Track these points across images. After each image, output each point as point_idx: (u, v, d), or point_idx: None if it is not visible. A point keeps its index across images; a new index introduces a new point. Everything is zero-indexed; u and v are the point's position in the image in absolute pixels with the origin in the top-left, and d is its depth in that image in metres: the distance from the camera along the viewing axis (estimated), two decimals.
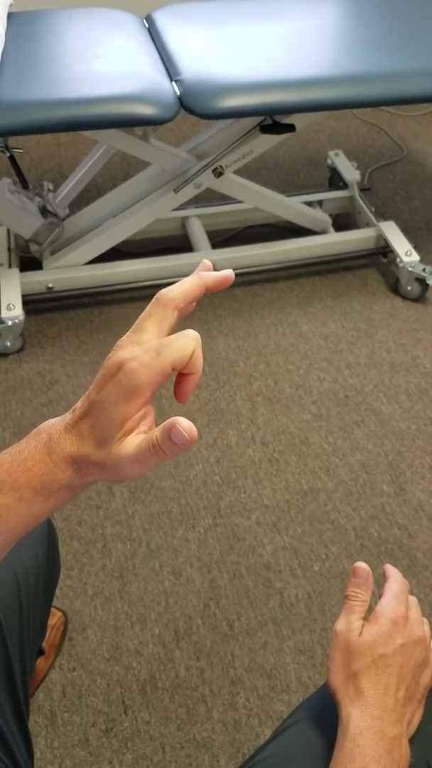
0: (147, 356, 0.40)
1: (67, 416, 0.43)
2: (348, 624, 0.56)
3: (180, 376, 0.43)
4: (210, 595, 1.12)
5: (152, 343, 0.41)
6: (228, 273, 0.45)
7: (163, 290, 0.43)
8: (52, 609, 1.00)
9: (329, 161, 1.90)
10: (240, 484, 1.27)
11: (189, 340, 0.42)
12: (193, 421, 1.38)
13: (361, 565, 0.59)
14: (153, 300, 0.43)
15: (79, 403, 0.42)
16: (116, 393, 0.40)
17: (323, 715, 0.57)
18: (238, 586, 1.13)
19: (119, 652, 1.05)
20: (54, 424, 0.43)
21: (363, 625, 0.57)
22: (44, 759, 0.95)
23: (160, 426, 0.40)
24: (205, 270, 0.45)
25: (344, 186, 1.84)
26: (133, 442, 0.41)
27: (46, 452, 0.41)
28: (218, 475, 1.29)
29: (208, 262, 0.45)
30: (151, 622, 1.09)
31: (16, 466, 0.41)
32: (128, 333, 0.42)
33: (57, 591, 0.89)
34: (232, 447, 1.33)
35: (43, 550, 0.76)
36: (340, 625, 0.56)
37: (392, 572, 0.60)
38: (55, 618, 1.05)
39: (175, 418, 0.39)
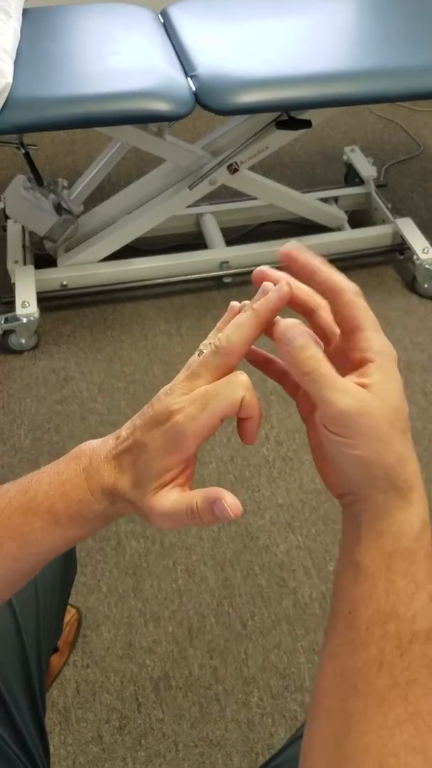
0: (193, 408, 0.37)
1: (110, 442, 0.40)
2: (347, 391, 0.35)
3: (239, 419, 0.40)
4: (223, 594, 1.12)
5: (198, 392, 0.38)
6: (282, 290, 0.38)
7: (223, 338, 0.38)
8: (67, 606, 1.00)
9: (345, 157, 1.88)
10: (254, 483, 1.27)
11: (236, 388, 0.38)
12: None
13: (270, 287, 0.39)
14: (211, 348, 0.38)
15: (123, 432, 0.40)
16: (161, 442, 0.38)
17: None
18: (252, 585, 1.13)
19: (133, 649, 1.05)
20: (95, 448, 0.41)
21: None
22: (58, 755, 0.95)
23: (203, 493, 0.38)
24: (265, 295, 0.38)
25: (360, 182, 1.82)
26: (169, 497, 0.38)
27: (85, 478, 0.40)
28: (232, 474, 1.28)
29: (267, 284, 0.39)
30: (164, 620, 1.09)
31: (54, 489, 0.40)
32: (182, 377, 0.39)
33: (71, 588, 0.89)
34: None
35: None
36: (342, 401, 0.34)
37: (334, 280, 0.38)
38: (69, 615, 1.05)
39: (221, 491, 0.37)
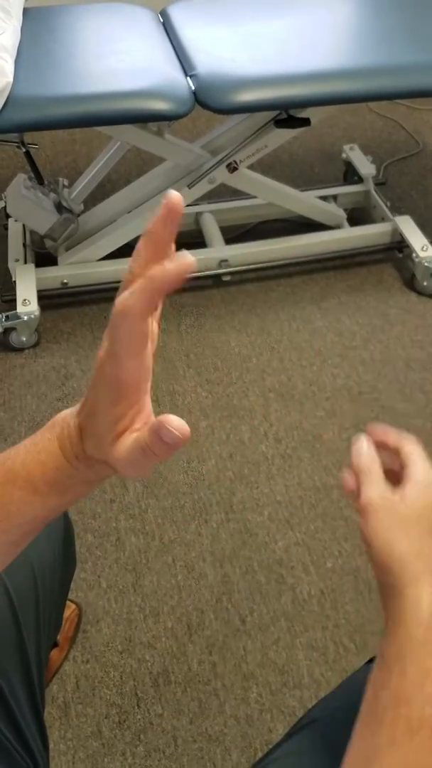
0: (110, 357, 0.38)
1: (77, 408, 0.42)
2: (378, 489, 0.45)
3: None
4: (222, 590, 1.12)
5: (109, 340, 0.38)
6: (179, 265, 0.36)
7: (117, 300, 0.37)
8: (67, 601, 1.01)
9: (344, 155, 1.88)
10: (252, 480, 1.27)
11: (118, 319, 0.36)
12: (206, 416, 1.38)
13: (361, 439, 0.50)
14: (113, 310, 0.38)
15: (84, 398, 0.41)
16: (105, 396, 0.39)
17: (340, 714, 0.57)
18: (251, 581, 1.13)
19: (132, 645, 1.06)
20: (66, 417, 0.42)
21: (398, 490, 0.46)
22: (58, 750, 0.96)
23: (148, 426, 0.37)
24: (167, 207, 0.37)
25: (359, 180, 1.83)
26: (124, 443, 0.39)
27: (59, 446, 0.41)
28: (231, 471, 1.29)
29: (171, 198, 0.37)
30: (164, 615, 1.09)
31: (30, 459, 0.41)
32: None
33: (71, 584, 0.90)
34: (244, 443, 1.34)
35: (60, 543, 0.76)
36: (369, 492, 0.45)
37: (399, 438, 0.49)
38: (69, 610, 1.06)
39: (163, 416, 0.36)
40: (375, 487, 0.45)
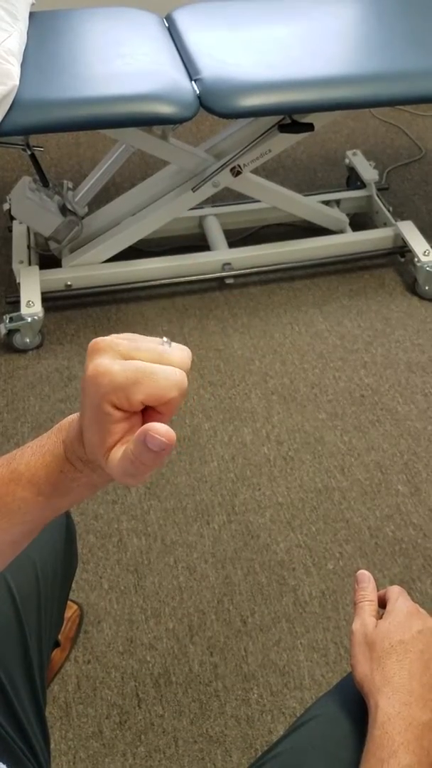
0: (121, 377, 0.37)
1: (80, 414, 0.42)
2: (362, 621, 0.59)
3: (150, 409, 0.38)
4: (224, 591, 1.13)
5: (133, 366, 0.37)
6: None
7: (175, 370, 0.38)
8: (69, 602, 1.01)
9: (347, 161, 1.89)
10: (254, 482, 1.28)
11: (172, 387, 0.37)
12: (209, 418, 1.39)
13: (363, 571, 0.63)
14: (171, 346, 0.39)
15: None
16: (90, 408, 0.38)
17: (339, 712, 0.58)
18: (252, 582, 1.14)
19: (134, 645, 1.06)
20: (73, 421, 0.42)
21: (377, 622, 0.58)
22: (59, 750, 0.96)
23: (134, 436, 0.37)
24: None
25: (362, 185, 1.84)
26: (116, 455, 0.38)
27: (64, 450, 0.41)
28: (233, 473, 1.29)
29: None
30: (165, 616, 1.09)
31: (36, 461, 0.42)
32: (127, 342, 0.38)
33: (73, 584, 0.90)
34: (246, 445, 1.34)
35: (62, 542, 0.77)
36: (355, 624, 0.59)
37: (389, 586, 0.65)
38: (71, 611, 1.06)
39: (147, 425, 0.36)
40: (360, 620, 0.59)
